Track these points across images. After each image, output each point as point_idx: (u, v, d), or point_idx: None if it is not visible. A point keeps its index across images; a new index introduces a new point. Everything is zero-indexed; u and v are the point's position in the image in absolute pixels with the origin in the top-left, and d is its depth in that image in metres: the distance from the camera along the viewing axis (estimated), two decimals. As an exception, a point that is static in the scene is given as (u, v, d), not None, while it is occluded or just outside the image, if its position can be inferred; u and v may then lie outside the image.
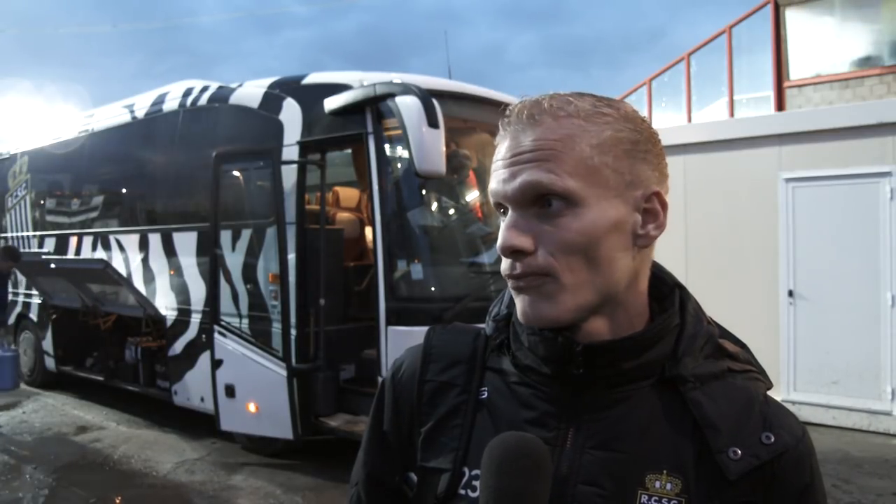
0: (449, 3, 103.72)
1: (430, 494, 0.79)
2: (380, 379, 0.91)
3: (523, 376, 0.79)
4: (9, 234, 8.64)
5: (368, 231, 5.82)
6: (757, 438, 0.72)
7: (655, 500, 0.71)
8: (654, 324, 0.76)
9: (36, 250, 7.94)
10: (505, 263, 0.74)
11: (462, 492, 0.77)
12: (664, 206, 0.75)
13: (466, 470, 0.77)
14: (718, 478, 0.71)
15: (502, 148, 0.75)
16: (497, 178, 0.74)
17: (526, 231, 0.72)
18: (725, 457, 0.71)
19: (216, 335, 5.29)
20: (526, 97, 0.76)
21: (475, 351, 0.84)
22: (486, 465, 0.69)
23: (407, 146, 4.21)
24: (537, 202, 0.71)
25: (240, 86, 5.64)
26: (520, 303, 0.75)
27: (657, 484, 0.71)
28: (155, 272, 6.29)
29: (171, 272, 6.10)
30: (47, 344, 7.71)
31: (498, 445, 0.69)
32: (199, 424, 5.83)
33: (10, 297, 5.88)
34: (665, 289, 0.81)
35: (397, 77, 4.70)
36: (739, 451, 0.71)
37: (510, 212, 0.73)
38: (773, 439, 0.72)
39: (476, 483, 0.75)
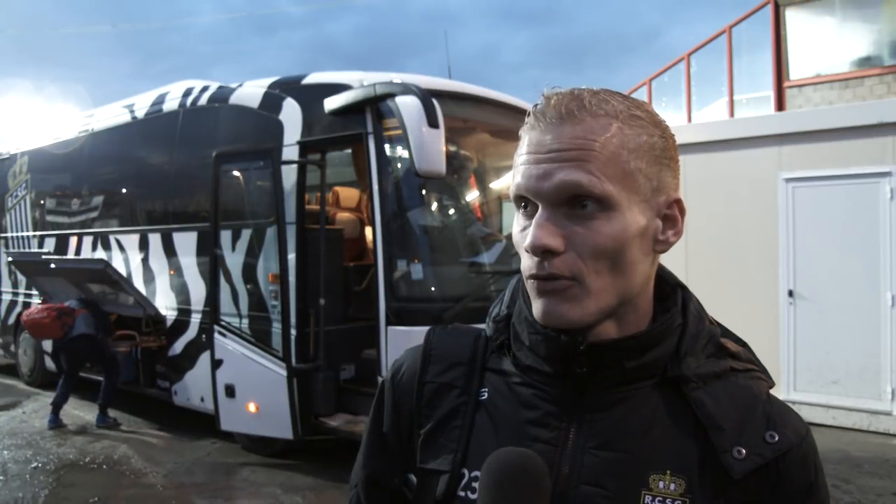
0: (444, 4, 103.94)
1: (429, 496, 0.79)
2: (380, 379, 0.91)
3: (524, 376, 0.79)
4: (9, 234, 8.64)
5: (368, 231, 5.81)
6: (761, 437, 0.72)
7: (659, 501, 0.71)
8: (656, 323, 0.76)
9: (36, 250, 7.93)
10: (529, 262, 0.72)
11: (461, 493, 0.76)
12: (683, 213, 0.76)
13: (466, 472, 0.77)
14: (723, 477, 0.71)
15: (533, 140, 0.72)
16: (528, 173, 0.71)
17: (557, 231, 0.70)
18: (730, 456, 0.70)
19: (216, 335, 5.29)
20: (556, 88, 0.74)
21: (475, 352, 0.83)
22: (483, 480, 0.68)
23: (407, 146, 4.21)
24: (570, 202, 0.70)
25: (240, 86, 5.64)
26: (540, 304, 0.72)
27: (661, 484, 0.71)
28: (155, 272, 6.29)
29: (171, 272, 6.10)
30: (47, 344, 7.69)
31: (496, 461, 0.69)
32: (199, 424, 5.83)
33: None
34: (667, 288, 0.80)
35: (397, 77, 4.70)
36: (744, 451, 0.71)
37: (541, 209, 0.71)
38: (777, 438, 0.72)
39: (475, 485, 0.75)
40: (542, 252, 0.70)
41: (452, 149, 5.08)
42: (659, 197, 0.73)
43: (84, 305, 6.30)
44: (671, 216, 0.75)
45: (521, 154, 0.73)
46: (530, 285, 0.73)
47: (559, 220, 0.70)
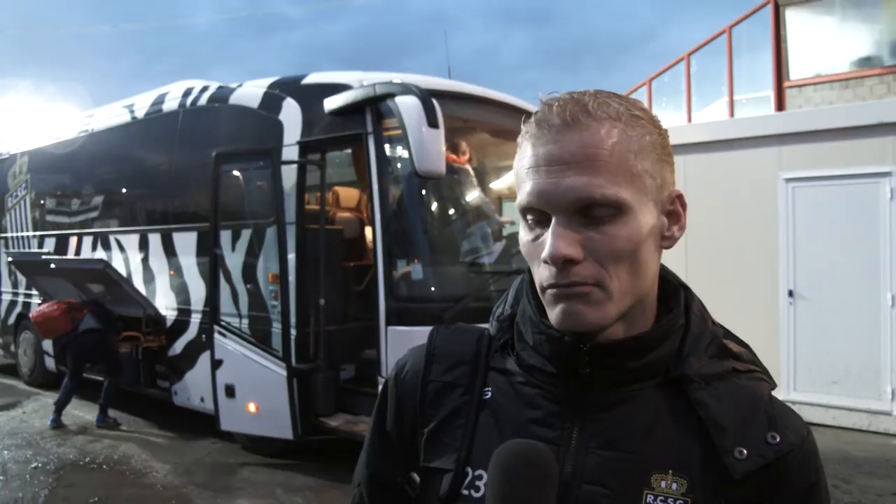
0: (442, 4, 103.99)
1: (432, 495, 0.79)
2: (380, 379, 0.91)
3: (528, 376, 0.79)
4: (9, 234, 8.64)
5: (368, 231, 5.81)
6: (762, 438, 0.72)
7: (661, 500, 0.71)
8: (659, 323, 0.76)
9: (36, 250, 7.93)
10: (548, 272, 0.71)
11: (465, 492, 0.76)
12: (684, 207, 0.77)
13: (469, 470, 0.77)
14: (724, 478, 0.71)
15: (539, 149, 0.71)
16: (538, 184, 0.70)
17: (575, 239, 0.69)
18: (731, 457, 0.71)
19: (216, 335, 5.29)
20: (553, 94, 0.73)
21: (479, 351, 0.84)
22: (492, 473, 0.69)
23: (407, 146, 4.20)
24: (583, 209, 0.70)
25: (240, 86, 5.64)
26: (560, 309, 0.71)
27: (663, 484, 0.71)
28: (155, 272, 6.29)
29: (171, 272, 6.10)
30: (47, 344, 7.70)
31: (505, 453, 0.69)
32: (199, 424, 5.83)
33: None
34: (669, 289, 0.81)
35: (397, 77, 4.70)
36: (745, 451, 0.71)
37: (555, 219, 0.70)
38: (778, 439, 0.72)
39: (479, 483, 0.76)
40: (562, 262, 0.69)
41: (461, 150, 5.11)
42: (663, 194, 0.74)
43: (91, 305, 6.33)
44: (674, 211, 0.76)
45: (527, 165, 0.72)
46: (549, 294, 0.72)
47: (575, 229, 0.70)
